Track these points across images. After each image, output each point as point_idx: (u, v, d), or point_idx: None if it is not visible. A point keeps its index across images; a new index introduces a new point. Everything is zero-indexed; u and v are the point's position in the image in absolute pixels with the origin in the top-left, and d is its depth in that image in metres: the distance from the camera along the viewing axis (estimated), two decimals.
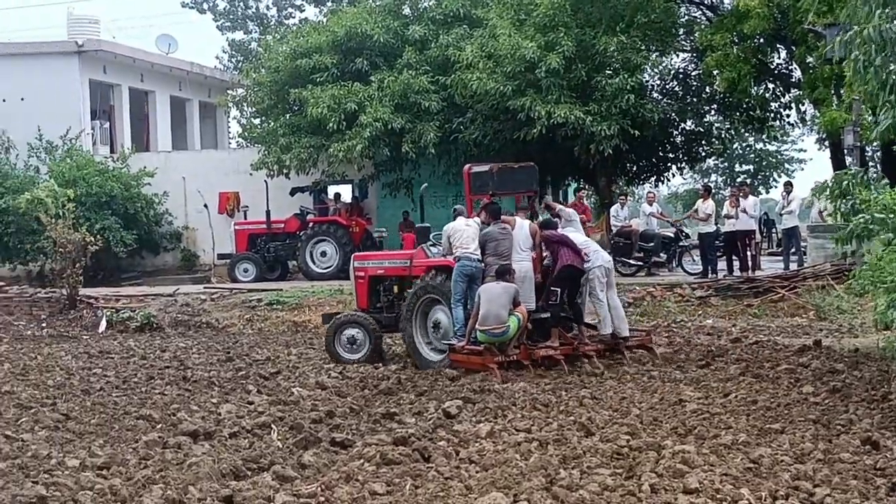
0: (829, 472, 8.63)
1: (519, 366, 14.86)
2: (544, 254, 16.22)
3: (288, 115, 30.71)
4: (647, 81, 29.02)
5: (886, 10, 10.77)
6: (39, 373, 16.76)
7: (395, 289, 17.30)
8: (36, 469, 9.85)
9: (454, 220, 16.24)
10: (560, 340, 15.54)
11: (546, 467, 9.15)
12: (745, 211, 24.17)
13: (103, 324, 23.95)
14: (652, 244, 26.16)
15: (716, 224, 25.66)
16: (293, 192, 30.55)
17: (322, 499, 8.58)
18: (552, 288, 15.63)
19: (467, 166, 17.37)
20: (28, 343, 21.61)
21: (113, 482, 9.25)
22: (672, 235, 26.91)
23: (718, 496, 8.03)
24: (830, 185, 13.80)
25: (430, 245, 17.05)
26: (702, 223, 24.96)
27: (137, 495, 8.79)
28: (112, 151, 35.54)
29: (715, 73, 28.05)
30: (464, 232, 15.76)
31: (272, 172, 29.75)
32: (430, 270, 16.23)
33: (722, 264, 25.23)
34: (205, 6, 50.75)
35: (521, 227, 15.95)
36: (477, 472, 9.24)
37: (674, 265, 26.54)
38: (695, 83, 31.19)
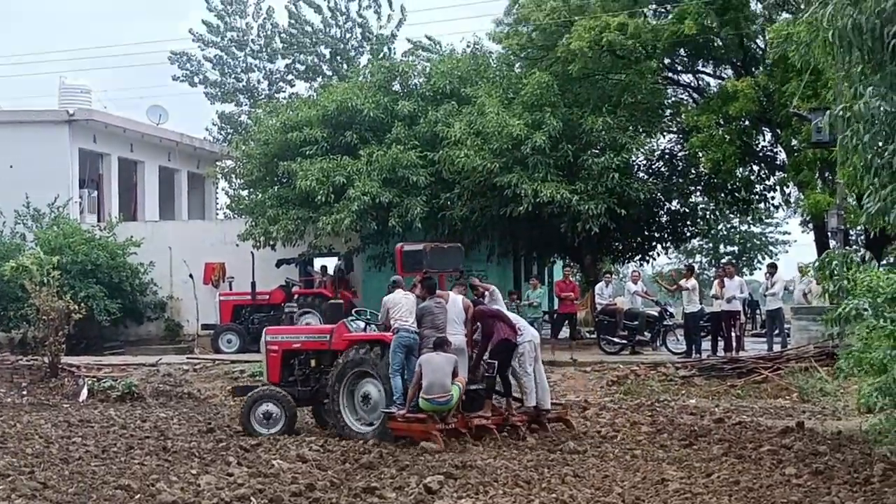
0: None
1: (457, 433, 15.35)
2: (475, 328, 16.80)
3: (276, 188, 30.78)
4: (633, 161, 29.33)
5: (870, 89, 10.90)
6: (18, 441, 16.63)
7: (312, 363, 17.64)
8: None
9: (391, 291, 16.77)
10: (491, 411, 16.23)
11: None
12: (732, 298, 24.29)
13: (84, 393, 23.76)
14: (636, 322, 26.19)
15: (700, 303, 25.74)
16: (279, 263, 30.55)
17: None
18: (489, 361, 16.33)
19: (399, 245, 18.37)
20: (8, 411, 21.41)
21: None
22: (656, 314, 26.94)
23: None
24: (818, 265, 13.91)
25: (352, 320, 17.53)
26: (686, 303, 24.99)
27: None
28: (99, 220, 35.52)
29: (700, 154, 28.41)
30: (403, 305, 16.34)
31: (259, 244, 29.77)
32: (356, 344, 16.63)
33: (707, 344, 25.28)
34: (196, 79, 51.07)
35: (455, 303, 16.65)
36: None
37: (658, 344, 26.54)
38: (681, 164, 31.55)
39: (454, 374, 15.52)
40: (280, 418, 17.05)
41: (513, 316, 17.22)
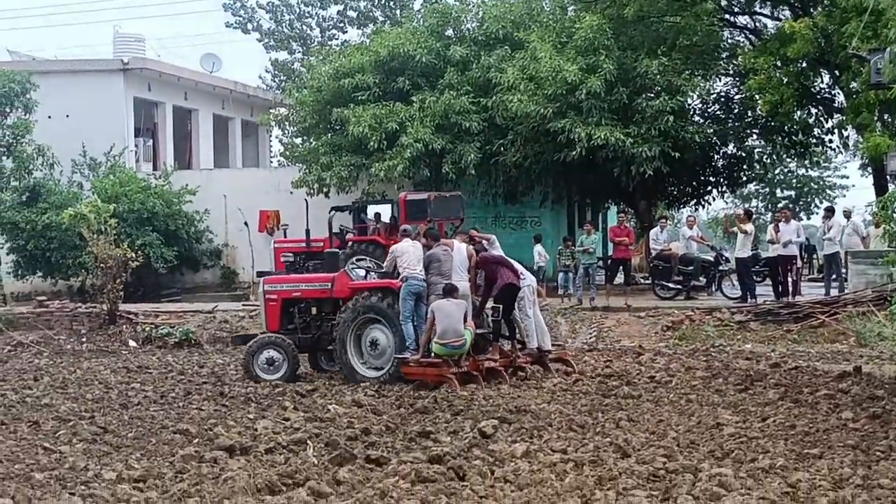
0: (867, 498, 8.54)
1: (470, 377, 15.83)
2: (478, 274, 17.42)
3: (329, 135, 30.87)
4: (688, 104, 28.92)
5: None
6: (78, 386, 16.91)
7: (313, 310, 18.08)
8: (73, 481, 9.93)
9: (400, 240, 17.32)
10: (498, 353, 16.91)
11: (581, 488, 9.12)
12: (788, 242, 24.02)
13: (131, 342, 24.07)
14: (691, 268, 26.03)
15: (754, 249, 25.48)
16: (333, 210, 30.63)
17: None
18: (494, 305, 17.05)
19: (402, 194, 18.98)
20: (68, 357, 21.79)
21: (149, 495, 9.32)
22: (712, 259, 26.76)
23: None
24: (879, 207, 13.74)
25: (354, 268, 17.78)
26: (738, 248, 24.74)
27: None
28: (155, 168, 35.87)
29: (757, 96, 27.95)
30: (410, 253, 16.75)
31: (312, 191, 29.90)
32: (365, 291, 16.96)
33: (764, 289, 25.06)
34: (249, 26, 51.13)
35: (459, 250, 17.12)
36: (512, 491, 9.22)
37: (713, 289, 26.39)
38: (737, 107, 31.13)
39: (465, 320, 16.01)
40: (282, 364, 17.44)
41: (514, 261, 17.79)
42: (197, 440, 11.92)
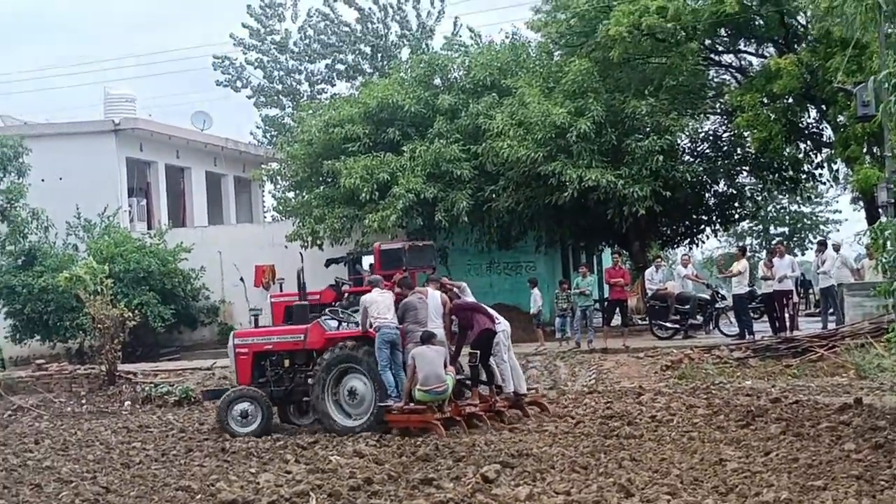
0: None
1: (453, 422, 16.10)
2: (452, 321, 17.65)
3: (321, 187, 30.98)
4: (677, 144, 29.14)
5: None
6: (79, 448, 16.87)
7: (286, 363, 18.12)
8: None
9: (368, 291, 17.41)
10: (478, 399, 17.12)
11: None
12: (784, 277, 24.07)
13: (127, 403, 24.01)
14: (688, 307, 26.05)
15: (750, 285, 25.54)
16: (328, 263, 30.62)
17: None
18: (472, 351, 17.16)
19: (377, 244, 20.01)
20: (68, 419, 21.74)
21: None
22: (708, 297, 26.82)
23: None
24: (871, 237, 13.79)
25: (327, 319, 17.97)
26: (735, 285, 24.81)
27: None
28: (149, 228, 35.94)
29: (746, 134, 28.21)
30: (380, 303, 16.90)
31: (306, 244, 29.94)
32: (340, 341, 17.15)
33: (761, 326, 25.09)
34: (238, 84, 51.40)
35: (434, 298, 17.29)
36: None
37: (711, 327, 26.40)
38: (725, 145, 31.35)
39: (445, 366, 16.23)
40: (256, 416, 17.52)
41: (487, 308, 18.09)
42: (199, 496, 11.90)
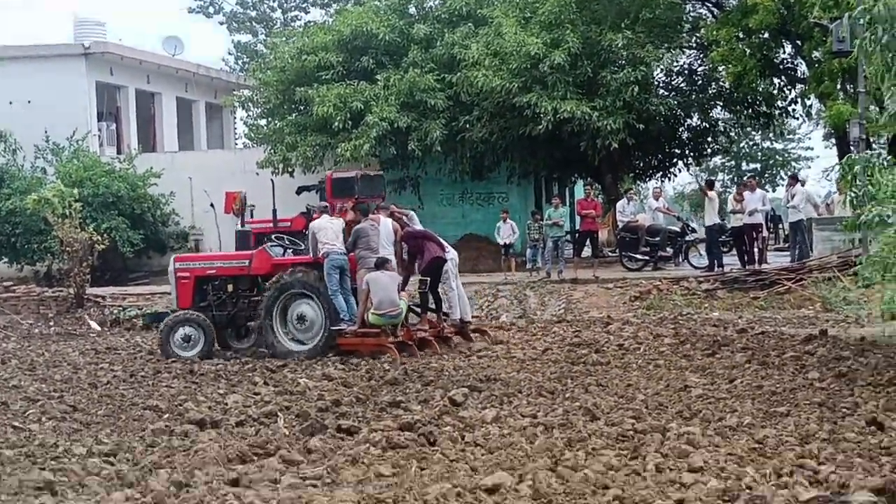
0: (833, 451, 8.63)
1: (404, 345, 16.35)
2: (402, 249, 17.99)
3: (294, 115, 30.78)
4: (652, 77, 29.04)
5: None
6: (47, 368, 16.77)
7: (230, 287, 18.15)
8: (43, 456, 9.86)
9: (317, 217, 17.57)
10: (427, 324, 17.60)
11: (551, 449, 9.17)
12: (754, 210, 24.17)
13: (94, 324, 23.94)
14: (658, 239, 26.15)
15: (721, 219, 25.67)
16: (299, 190, 30.53)
17: (328, 480, 8.60)
18: (422, 277, 17.57)
19: (329, 172, 20.35)
20: (36, 341, 21.62)
21: (120, 468, 9.28)
22: (678, 230, 26.93)
23: (723, 475, 8.04)
24: (840, 171, 13.84)
25: (272, 245, 18.14)
26: (707, 217, 24.91)
27: (144, 479, 8.81)
28: (119, 152, 35.60)
29: (721, 68, 28.14)
30: (329, 229, 17.02)
31: (277, 171, 29.77)
32: (291, 267, 17.24)
33: (731, 259, 25.24)
34: (211, 10, 50.85)
35: (385, 225, 17.58)
36: (482, 454, 9.26)
37: (680, 259, 26.55)
38: (700, 79, 31.30)
39: (398, 291, 16.55)
40: (199, 341, 17.56)
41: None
42: (167, 415, 11.88)
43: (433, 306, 17.85)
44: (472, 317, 19.05)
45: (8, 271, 31.44)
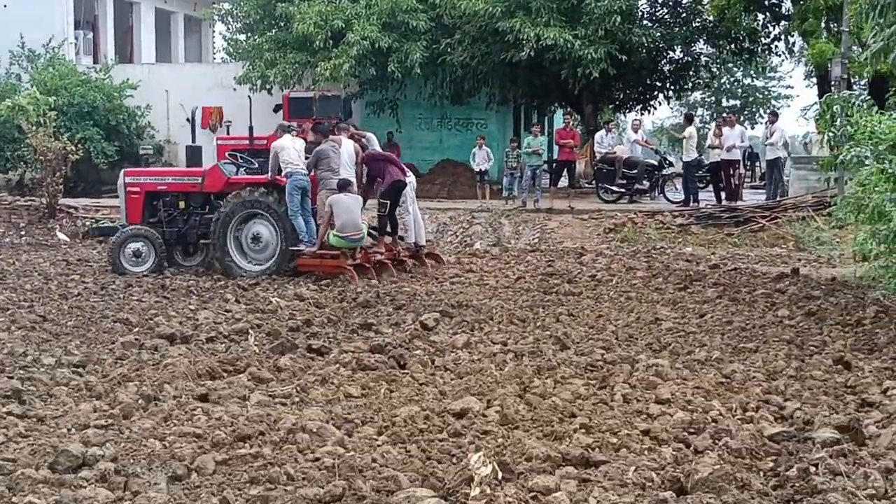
0: (800, 388, 8.72)
1: (362, 268, 16.24)
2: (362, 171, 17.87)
3: (274, 31, 30.43)
4: (636, 7, 28.79)
5: None
6: (17, 277, 16.69)
7: (181, 204, 17.93)
8: (12, 365, 9.84)
9: (279, 137, 17.23)
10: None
11: (520, 376, 9.22)
12: (731, 147, 24.18)
13: (61, 235, 23.76)
14: (635, 171, 26.15)
15: (699, 154, 25.64)
16: (277, 108, 30.31)
17: (297, 399, 8.63)
18: (382, 200, 17.38)
19: (286, 92, 18.86)
20: (6, 250, 21.45)
21: (88, 379, 9.28)
22: (656, 163, 26.92)
23: (689, 407, 8.10)
24: (819, 110, 13.80)
25: (226, 163, 18.01)
26: (684, 152, 24.92)
27: (112, 391, 8.81)
28: (95, 62, 35.14)
29: (705, 1, 27.92)
30: (291, 149, 16.78)
31: (255, 87, 29.48)
32: (248, 186, 17.04)
33: (707, 194, 25.28)
34: None
35: (347, 147, 17.34)
36: (452, 379, 9.30)
37: (656, 193, 26.58)
38: (684, 12, 31.07)
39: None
40: (149, 256, 17.45)
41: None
42: (137, 329, 11.86)
43: (389, 230, 17.81)
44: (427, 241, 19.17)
45: None
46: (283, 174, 16.65)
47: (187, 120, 30.88)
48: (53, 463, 6.80)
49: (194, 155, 19.61)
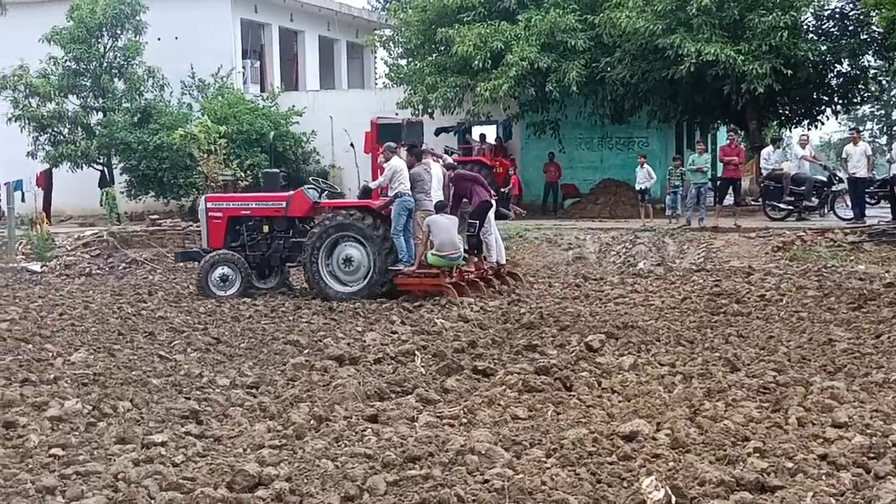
0: None
1: (457, 287, 16.65)
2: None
3: (434, 55, 30.74)
4: (801, 21, 28.12)
5: None
6: (191, 300, 17.27)
7: (265, 228, 18.36)
8: (189, 386, 10.20)
9: (388, 158, 17.61)
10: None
11: (690, 399, 9.08)
12: None
13: None
14: (803, 188, 25.48)
15: (871, 170, 24.86)
16: (438, 131, 30.63)
17: (465, 420, 8.67)
18: (471, 220, 17.80)
19: (374, 117, 18.75)
20: (180, 274, 22.18)
21: (262, 399, 9.53)
22: (825, 179, 26.18)
23: (868, 431, 7.85)
24: None
25: (309, 188, 18.44)
26: (851, 168, 24.17)
27: (285, 412, 9.02)
28: (262, 90, 36.12)
29: (873, 12, 27.05)
30: (404, 171, 17.24)
31: (417, 112, 29.87)
32: (340, 210, 17.54)
33: (880, 211, 24.49)
34: None
35: (435, 169, 17.88)
36: (619, 401, 9.22)
37: (826, 210, 25.84)
38: (852, 24, 30.13)
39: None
40: (235, 280, 17.82)
41: None
42: (307, 350, 12.14)
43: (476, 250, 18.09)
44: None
45: (155, 205, 32.29)
46: (392, 193, 17.06)
47: (351, 146, 31.65)
48: (231, 482, 7.00)
49: (271, 180, 20.21)
